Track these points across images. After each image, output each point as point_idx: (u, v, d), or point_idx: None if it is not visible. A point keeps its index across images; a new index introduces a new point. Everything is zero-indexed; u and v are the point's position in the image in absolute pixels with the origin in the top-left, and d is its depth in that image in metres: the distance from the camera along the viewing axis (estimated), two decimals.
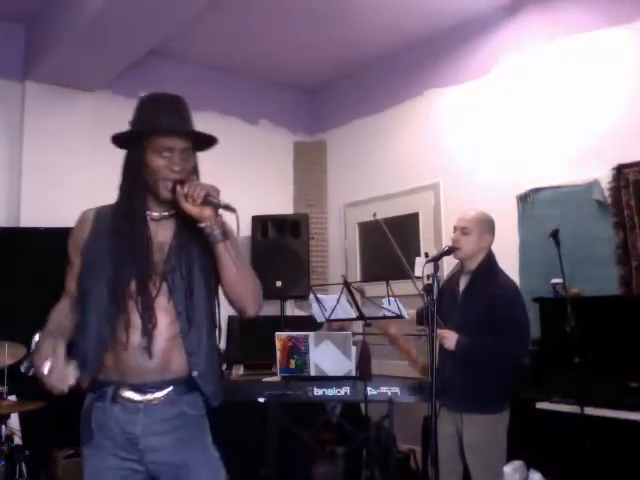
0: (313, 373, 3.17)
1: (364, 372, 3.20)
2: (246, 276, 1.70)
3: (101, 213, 1.76)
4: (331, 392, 3.14)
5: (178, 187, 1.62)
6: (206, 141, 1.75)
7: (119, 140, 1.71)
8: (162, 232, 1.70)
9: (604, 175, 3.58)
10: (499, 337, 2.62)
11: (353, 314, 3.42)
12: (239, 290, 1.69)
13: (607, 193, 3.58)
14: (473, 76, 4.44)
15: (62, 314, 1.74)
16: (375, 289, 3.51)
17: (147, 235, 1.67)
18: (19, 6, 4.17)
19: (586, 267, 3.57)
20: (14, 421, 3.28)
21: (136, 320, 1.60)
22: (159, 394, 1.62)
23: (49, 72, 4.20)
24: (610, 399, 2.91)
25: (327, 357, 3.16)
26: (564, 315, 2.95)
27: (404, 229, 4.69)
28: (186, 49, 4.80)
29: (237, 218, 1.59)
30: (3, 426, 2.97)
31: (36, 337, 1.62)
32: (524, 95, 4.11)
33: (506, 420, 2.73)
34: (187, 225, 1.66)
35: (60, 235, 3.97)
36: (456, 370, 2.73)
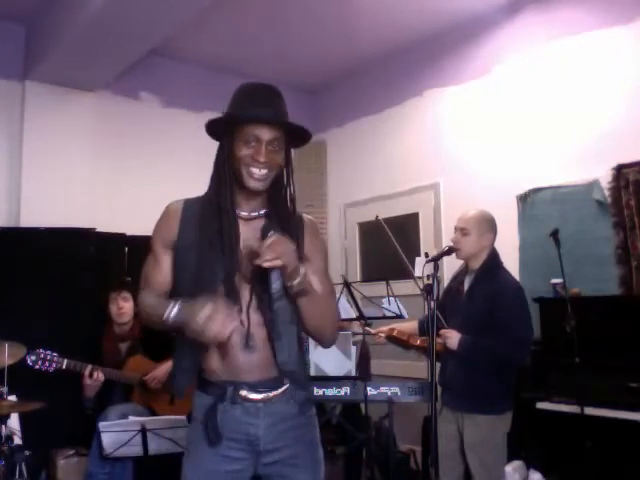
0: (313, 373, 3.17)
1: (364, 372, 3.20)
2: (322, 315, 1.63)
3: (189, 205, 1.68)
4: (331, 392, 3.14)
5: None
6: (299, 134, 1.66)
7: (213, 132, 1.64)
8: (252, 233, 1.63)
9: (604, 175, 3.58)
10: (501, 336, 2.62)
11: (353, 314, 3.42)
12: (313, 326, 1.64)
13: (607, 193, 3.58)
14: (473, 76, 4.44)
15: (159, 298, 1.65)
16: (375, 289, 3.52)
17: (235, 233, 1.61)
18: (19, 6, 4.17)
19: (586, 267, 3.57)
20: (14, 421, 3.28)
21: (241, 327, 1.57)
22: (276, 392, 1.61)
23: (49, 72, 4.20)
24: (610, 399, 2.91)
25: (327, 357, 3.16)
26: (564, 315, 2.95)
27: (404, 229, 4.69)
28: (186, 49, 4.79)
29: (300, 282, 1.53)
30: (3, 426, 2.96)
31: (175, 308, 1.52)
32: (524, 95, 4.11)
33: (508, 421, 2.73)
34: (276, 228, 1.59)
35: (60, 235, 4.04)
36: (458, 370, 2.73)
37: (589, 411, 2.85)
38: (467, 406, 2.70)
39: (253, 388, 1.59)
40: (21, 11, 4.23)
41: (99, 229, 4.20)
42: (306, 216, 1.74)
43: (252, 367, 1.59)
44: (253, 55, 4.95)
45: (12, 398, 3.17)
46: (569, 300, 2.98)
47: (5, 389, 3.04)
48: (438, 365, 2.80)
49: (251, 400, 1.59)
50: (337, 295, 3.35)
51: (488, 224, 2.85)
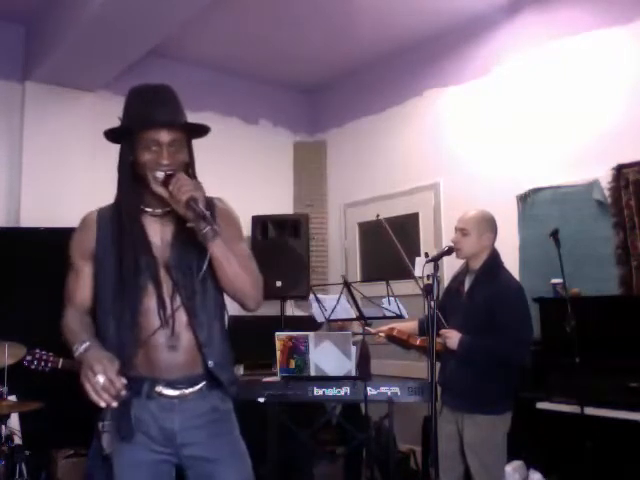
0: (313, 373, 3.17)
1: (364, 372, 3.20)
2: (239, 272, 1.67)
3: (102, 214, 1.75)
4: (331, 392, 3.14)
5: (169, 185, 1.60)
6: (199, 129, 1.70)
7: (112, 137, 1.69)
8: (165, 228, 1.69)
9: (604, 175, 3.58)
10: (501, 336, 2.62)
11: (353, 314, 3.42)
12: (233, 286, 1.69)
13: (607, 193, 3.58)
14: (473, 76, 4.43)
15: (82, 322, 1.70)
16: (375, 289, 3.52)
17: (143, 233, 1.67)
18: (19, 6, 4.17)
19: (586, 267, 3.57)
20: (14, 421, 3.28)
21: (156, 319, 1.63)
22: (192, 389, 1.66)
23: (49, 72, 4.20)
24: (610, 399, 2.91)
25: (327, 357, 3.16)
26: (564, 315, 2.95)
27: (404, 229, 4.68)
28: (186, 49, 4.80)
29: (211, 228, 1.56)
30: (3, 426, 2.97)
31: (82, 347, 1.56)
32: (524, 95, 4.11)
33: (508, 421, 2.73)
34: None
35: (60, 235, 3.99)
36: (458, 370, 2.73)
37: (589, 411, 2.85)
38: (467, 406, 2.70)
39: (170, 385, 1.64)
40: (21, 11, 4.23)
41: None
42: (217, 200, 1.79)
43: (174, 366, 1.64)
44: (253, 55, 4.95)
45: (12, 398, 3.17)
46: (569, 300, 2.98)
47: (5, 389, 3.04)
48: (438, 365, 2.80)
49: (166, 396, 1.65)
50: (337, 295, 3.37)
51: (488, 224, 2.85)
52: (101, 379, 1.44)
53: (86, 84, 4.42)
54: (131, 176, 1.66)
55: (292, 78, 5.46)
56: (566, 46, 3.90)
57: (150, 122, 1.59)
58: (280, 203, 5.42)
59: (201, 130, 1.70)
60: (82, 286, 1.73)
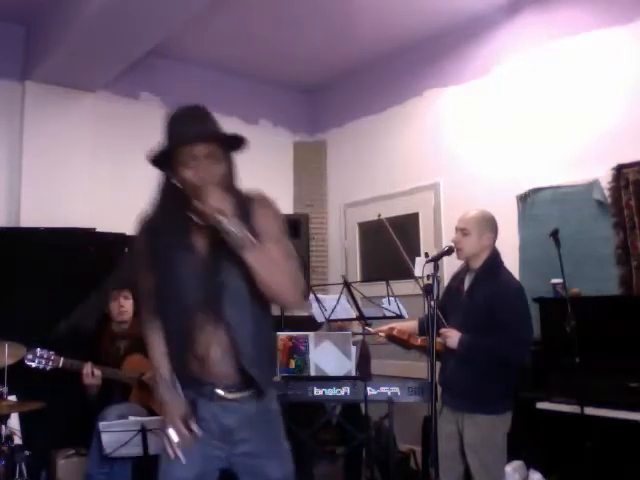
0: (313, 373, 3.17)
1: (364, 372, 3.20)
2: (276, 278, 1.70)
3: (149, 221, 1.83)
4: (331, 392, 3.15)
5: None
6: (234, 140, 1.75)
7: (155, 162, 1.73)
8: (207, 239, 1.74)
9: (604, 175, 3.58)
10: (500, 336, 2.62)
11: (353, 314, 3.43)
12: (271, 291, 1.72)
13: (607, 193, 3.58)
14: (473, 76, 4.44)
15: (158, 343, 1.84)
16: (375, 289, 3.52)
17: (190, 245, 1.74)
18: (19, 6, 4.17)
19: (586, 267, 3.57)
20: (14, 421, 3.28)
21: (212, 337, 1.72)
22: (248, 392, 1.78)
23: (49, 72, 4.20)
24: (610, 399, 2.91)
25: (327, 357, 3.16)
26: (564, 315, 2.95)
27: (404, 229, 4.68)
28: (186, 49, 4.79)
29: (241, 239, 1.61)
30: (3, 426, 2.96)
31: (160, 387, 1.80)
32: (524, 95, 4.12)
33: (508, 421, 2.72)
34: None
35: (60, 235, 4.03)
36: (458, 369, 2.72)
37: (589, 411, 2.85)
38: (467, 406, 2.70)
39: (227, 389, 1.77)
40: (21, 11, 4.23)
41: (99, 229, 4.19)
42: (256, 193, 1.87)
43: (229, 375, 1.76)
44: (253, 55, 4.95)
45: (12, 398, 3.17)
46: (569, 300, 2.98)
47: (5, 389, 3.04)
48: (438, 365, 2.80)
49: (226, 399, 1.77)
50: (337, 295, 3.37)
51: (488, 224, 2.84)
52: (174, 437, 1.71)
53: (86, 84, 4.42)
54: (174, 194, 1.72)
55: (292, 78, 5.46)
56: (566, 46, 3.90)
57: (182, 138, 1.65)
58: (280, 203, 5.36)
59: (237, 140, 1.76)
60: (150, 293, 1.84)
